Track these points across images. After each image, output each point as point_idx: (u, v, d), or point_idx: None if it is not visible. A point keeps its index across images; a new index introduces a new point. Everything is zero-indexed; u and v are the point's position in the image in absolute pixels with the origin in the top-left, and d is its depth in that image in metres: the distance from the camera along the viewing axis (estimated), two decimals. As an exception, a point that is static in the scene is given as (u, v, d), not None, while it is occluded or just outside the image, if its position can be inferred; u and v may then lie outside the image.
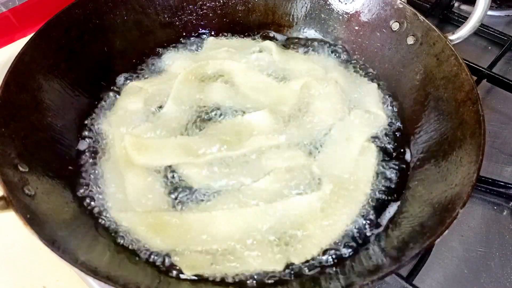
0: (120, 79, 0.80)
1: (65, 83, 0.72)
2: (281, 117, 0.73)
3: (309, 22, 0.89)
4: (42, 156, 0.63)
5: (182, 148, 0.68)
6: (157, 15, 0.85)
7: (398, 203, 0.65)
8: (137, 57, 0.83)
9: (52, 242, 0.49)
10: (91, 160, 0.68)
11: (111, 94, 0.77)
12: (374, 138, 0.73)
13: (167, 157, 0.67)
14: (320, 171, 0.67)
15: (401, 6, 0.76)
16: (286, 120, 0.74)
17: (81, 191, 0.64)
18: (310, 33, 0.89)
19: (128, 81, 0.79)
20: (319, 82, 0.78)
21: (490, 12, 1.03)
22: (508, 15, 1.06)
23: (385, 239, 0.60)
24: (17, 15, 0.88)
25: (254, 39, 0.89)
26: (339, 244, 0.60)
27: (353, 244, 0.60)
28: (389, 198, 0.65)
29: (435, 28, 0.71)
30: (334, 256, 0.59)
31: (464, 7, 1.06)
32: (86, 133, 0.71)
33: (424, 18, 0.73)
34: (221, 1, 0.88)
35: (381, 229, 0.62)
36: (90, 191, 0.64)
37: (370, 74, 0.83)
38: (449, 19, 1.02)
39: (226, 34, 0.89)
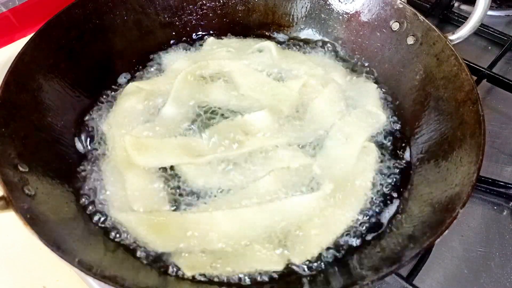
0: (120, 79, 0.80)
1: (65, 83, 0.72)
2: (281, 117, 0.73)
3: (309, 22, 0.89)
4: (42, 156, 0.63)
5: (182, 148, 0.68)
6: (157, 15, 0.85)
7: (398, 203, 0.65)
8: (137, 57, 0.83)
9: (52, 242, 0.49)
10: (91, 160, 0.68)
11: (111, 94, 0.77)
12: (374, 138, 0.73)
13: (167, 158, 0.67)
14: (320, 171, 0.67)
15: (401, 6, 0.76)
16: (286, 120, 0.74)
17: (81, 191, 0.64)
18: (310, 33, 0.89)
19: (128, 81, 0.79)
20: (319, 82, 0.78)
21: (490, 12, 1.03)
22: (508, 15, 1.06)
23: (385, 239, 0.60)
24: (17, 15, 0.88)
25: (254, 39, 0.88)
26: (339, 243, 0.60)
27: (353, 244, 0.60)
28: (389, 198, 0.65)
29: (435, 28, 0.71)
30: (334, 256, 0.59)
31: (464, 7, 1.06)
32: (86, 133, 0.71)
33: (424, 18, 0.73)
34: (221, 1, 0.88)
35: (381, 229, 0.62)
36: (90, 191, 0.64)
37: (370, 74, 0.83)
38: (449, 19, 1.02)
39: (226, 34, 0.89)
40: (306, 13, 0.88)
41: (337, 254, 0.59)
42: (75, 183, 0.65)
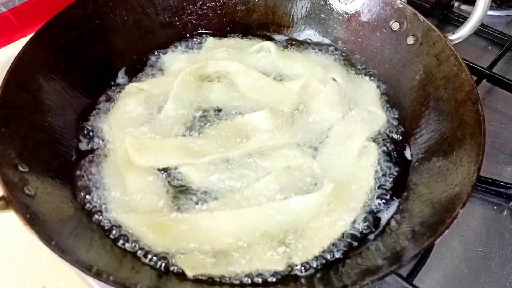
0: (120, 79, 0.80)
1: (65, 83, 0.72)
2: (281, 117, 0.73)
3: (309, 22, 0.89)
4: (42, 156, 0.63)
5: (182, 148, 0.68)
6: (157, 15, 0.85)
7: (398, 203, 0.65)
8: (137, 57, 0.83)
9: (52, 242, 0.49)
10: (91, 161, 0.68)
11: (111, 94, 0.77)
12: (374, 137, 0.73)
13: (167, 158, 0.67)
14: (321, 171, 0.67)
15: (401, 6, 0.76)
16: (286, 120, 0.73)
17: (81, 191, 0.64)
18: (310, 33, 0.89)
19: (128, 82, 0.79)
20: (318, 82, 0.78)
21: (490, 12, 1.03)
22: (508, 15, 1.06)
23: (385, 239, 0.60)
24: (17, 15, 0.88)
25: (254, 39, 0.88)
26: (340, 243, 0.60)
27: (354, 243, 0.60)
28: (389, 197, 0.65)
29: (435, 28, 0.71)
30: (334, 256, 0.59)
31: (464, 7, 1.06)
32: (86, 133, 0.71)
33: (424, 18, 0.73)
34: (221, 1, 0.88)
35: (381, 229, 0.62)
36: (90, 191, 0.64)
37: (370, 74, 0.83)
38: (449, 19, 1.02)
39: (226, 34, 0.89)
40: (306, 13, 0.88)
41: (337, 254, 0.59)
42: (75, 183, 0.65)
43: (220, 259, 0.57)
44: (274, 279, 0.56)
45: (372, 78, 0.82)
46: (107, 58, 0.79)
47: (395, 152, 0.71)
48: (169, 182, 0.66)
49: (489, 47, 0.98)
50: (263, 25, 0.90)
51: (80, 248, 0.54)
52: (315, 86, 0.77)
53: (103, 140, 0.71)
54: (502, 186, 0.71)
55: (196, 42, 0.88)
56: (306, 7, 0.88)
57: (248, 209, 0.61)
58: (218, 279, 0.56)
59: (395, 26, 0.78)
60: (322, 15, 0.87)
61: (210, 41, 0.87)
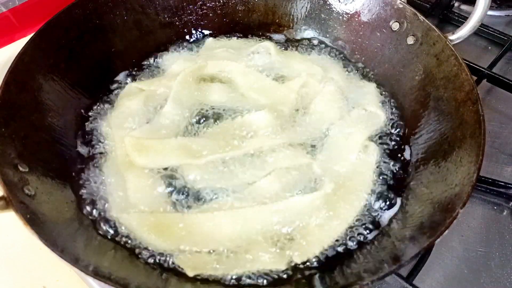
0: (120, 79, 0.80)
1: (65, 83, 0.72)
2: (280, 117, 0.73)
3: (309, 22, 0.89)
4: (42, 156, 0.63)
5: (182, 149, 0.68)
6: (157, 15, 0.85)
7: (398, 202, 0.65)
8: (137, 57, 0.83)
9: (52, 242, 0.49)
10: (91, 161, 0.68)
11: (111, 94, 0.77)
12: (374, 137, 0.73)
13: (167, 158, 0.67)
14: (321, 171, 0.67)
15: (401, 6, 0.76)
16: (286, 120, 0.74)
17: (81, 191, 0.64)
18: (310, 33, 0.89)
19: (128, 82, 0.79)
20: (318, 82, 0.78)
21: (490, 12, 1.03)
22: (508, 15, 1.06)
23: (385, 239, 0.60)
24: (17, 15, 0.88)
25: (254, 39, 0.89)
26: (340, 243, 0.60)
27: (354, 243, 0.60)
28: (389, 197, 0.65)
29: (435, 28, 0.71)
30: (335, 255, 0.59)
31: (464, 7, 1.06)
32: (86, 133, 0.71)
33: (424, 18, 0.73)
34: (221, 1, 0.88)
35: (381, 228, 0.62)
36: (90, 191, 0.64)
37: (370, 74, 0.83)
38: (449, 19, 1.02)
39: (226, 34, 0.89)
40: (306, 13, 0.88)
41: (338, 254, 0.59)
42: (75, 183, 0.65)
43: (221, 259, 0.57)
44: (274, 279, 0.56)
45: (372, 78, 0.82)
46: (107, 58, 0.79)
47: (395, 152, 0.71)
48: (169, 182, 0.66)
49: (489, 47, 0.98)
50: (263, 25, 0.90)
51: (80, 248, 0.54)
52: (315, 86, 0.77)
53: (103, 140, 0.71)
54: (502, 186, 0.71)
55: (196, 42, 0.88)
56: (306, 7, 0.88)
57: (249, 209, 0.61)
58: (218, 279, 0.56)
59: (395, 26, 0.78)
60: (322, 15, 0.87)
61: (210, 41, 0.87)
